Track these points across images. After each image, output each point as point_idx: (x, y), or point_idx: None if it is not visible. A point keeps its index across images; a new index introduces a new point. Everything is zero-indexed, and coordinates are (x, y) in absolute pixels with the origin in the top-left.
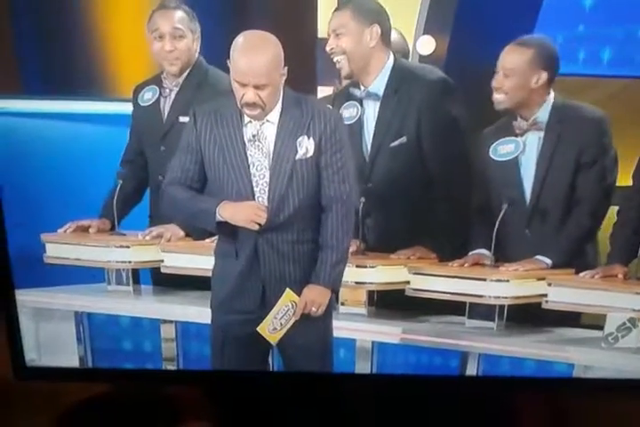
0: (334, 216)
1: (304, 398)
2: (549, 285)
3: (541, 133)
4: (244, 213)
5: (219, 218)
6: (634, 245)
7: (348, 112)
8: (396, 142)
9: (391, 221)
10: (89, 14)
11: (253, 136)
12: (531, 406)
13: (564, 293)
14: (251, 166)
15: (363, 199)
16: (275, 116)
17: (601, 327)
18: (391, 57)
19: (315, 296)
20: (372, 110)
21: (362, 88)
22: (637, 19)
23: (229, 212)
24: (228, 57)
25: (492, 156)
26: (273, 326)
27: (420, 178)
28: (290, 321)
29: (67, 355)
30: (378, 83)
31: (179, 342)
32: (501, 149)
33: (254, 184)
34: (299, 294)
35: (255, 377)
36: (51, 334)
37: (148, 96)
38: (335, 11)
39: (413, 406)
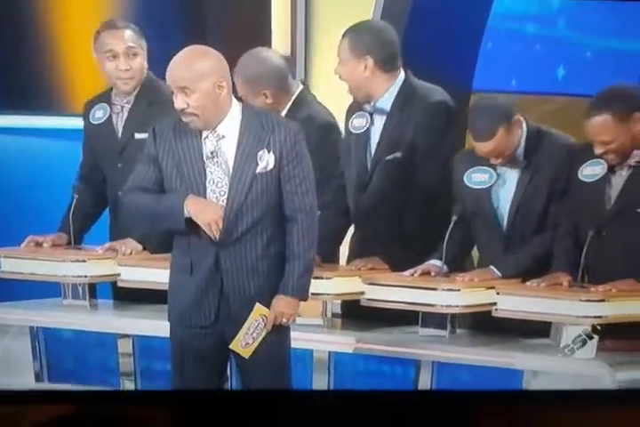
0: (299, 227)
1: (270, 417)
2: (498, 293)
3: (519, 167)
4: (211, 212)
5: (186, 213)
6: (577, 253)
7: (358, 122)
8: (390, 156)
9: (374, 231)
10: (39, 30)
11: (212, 153)
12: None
13: (512, 301)
14: (210, 183)
15: (319, 212)
16: (231, 131)
17: (548, 334)
18: (401, 76)
19: (284, 308)
20: (379, 123)
21: (371, 103)
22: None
23: (196, 206)
24: None
25: (466, 182)
26: (245, 342)
27: (406, 193)
28: (262, 334)
29: (22, 371)
30: (385, 100)
31: (136, 357)
32: (475, 178)
33: (215, 200)
34: (266, 306)
35: (219, 396)
36: (5, 350)
37: (99, 114)
38: (341, 37)
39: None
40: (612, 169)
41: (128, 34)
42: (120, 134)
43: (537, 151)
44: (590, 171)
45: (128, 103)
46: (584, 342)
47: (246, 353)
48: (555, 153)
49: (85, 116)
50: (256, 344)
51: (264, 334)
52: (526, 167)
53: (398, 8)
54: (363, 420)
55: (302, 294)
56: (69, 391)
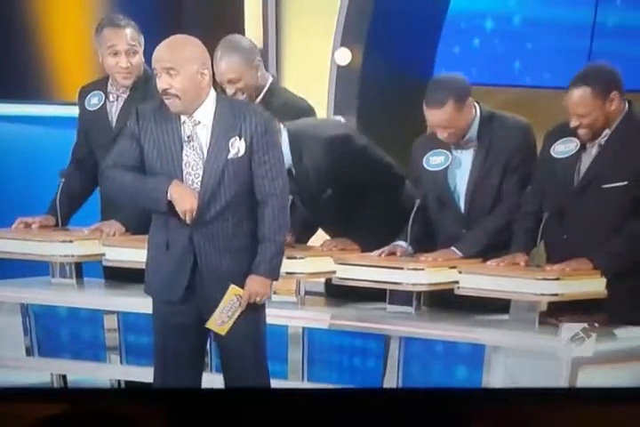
0: (271, 210)
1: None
2: (460, 272)
3: (474, 147)
4: (189, 202)
5: (169, 197)
6: (534, 235)
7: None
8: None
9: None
10: (32, 19)
11: (188, 137)
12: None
13: (473, 279)
14: (186, 166)
15: (291, 197)
16: (206, 117)
17: (508, 310)
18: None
19: (258, 287)
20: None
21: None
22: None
23: (177, 193)
24: None
25: (425, 165)
26: (221, 320)
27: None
28: (236, 313)
29: (14, 345)
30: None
31: (121, 332)
32: (432, 160)
33: (190, 182)
34: (236, 283)
35: (221, 395)
36: None
37: (94, 101)
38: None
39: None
40: (583, 146)
41: (129, 32)
42: (114, 122)
43: (490, 133)
44: (563, 148)
45: (124, 93)
46: (582, 341)
47: (222, 331)
48: (507, 134)
49: (81, 101)
50: (231, 322)
51: (239, 312)
52: (480, 148)
53: (363, 4)
54: (361, 419)
55: (274, 273)
56: (63, 389)
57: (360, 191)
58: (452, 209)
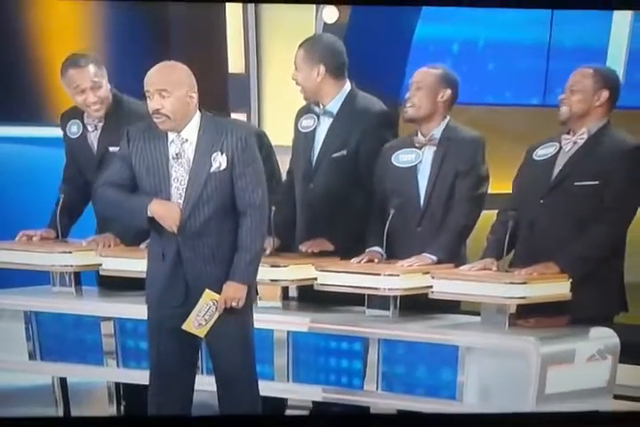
0: (248, 220)
1: None
2: (433, 277)
3: (435, 147)
4: (170, 218)
5: (149, 214)
6: (504, 243)
7: (307, 122)
8: (337, 154)
9: (319, 218)
10: (24, 45)
11: (177, 155)
12: None
13: (446, 284)
14: (175, 181)
15: (273, 208)
16: (193, 135)
17: (478, 313)
18: (347, 85)
19: (233, 293)
20: (325, 124)
21: (321, 106)
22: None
23: (158, 211)
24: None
25: (394, 162)
26: (198, 323)
27: (349, 186)
28: (214, 316)
29: (17, 350)
30: (334, 104)
31: (117, 338)
32: (402, 158)
33: (178, 196)
34: (219, 291)
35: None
36: (1, 331)
37: (74, 129)
38: (298, 47)
39: None
40: (560, 149)
41: (91, 70)
42: (95, 149)
43: (449, 139)
44: (544, 151)
45: (100, 122)
46: (598, 362)
47: (201, 333)
48: (463, 143)
49: (62, 127)
50: (209, 325)
51: (216, 316)
52: (438, 150)
53: (335, 32)
54: None
55: (249, 280)
56: (65, 418)
57: (356, 174)
58: (413, 206)
